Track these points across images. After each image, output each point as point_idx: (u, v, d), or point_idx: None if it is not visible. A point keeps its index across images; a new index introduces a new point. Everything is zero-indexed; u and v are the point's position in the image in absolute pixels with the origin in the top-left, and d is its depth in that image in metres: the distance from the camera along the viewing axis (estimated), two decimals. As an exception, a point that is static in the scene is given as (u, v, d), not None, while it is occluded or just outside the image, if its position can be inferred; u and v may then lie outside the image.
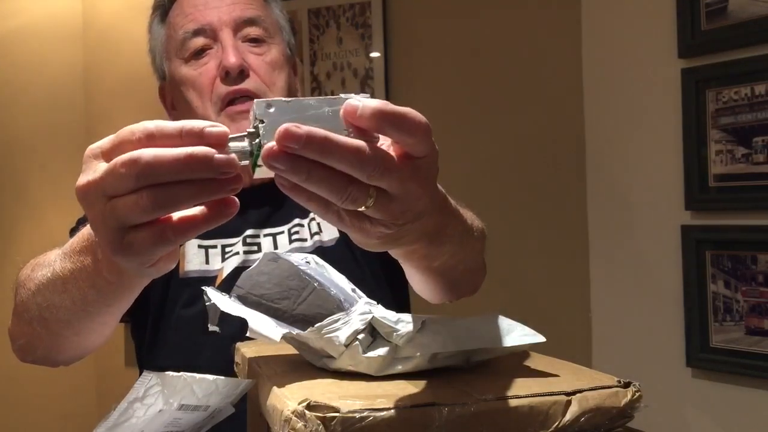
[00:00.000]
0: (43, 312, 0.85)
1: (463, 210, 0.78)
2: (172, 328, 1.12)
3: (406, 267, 0.80)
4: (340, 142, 0.51)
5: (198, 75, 1.13)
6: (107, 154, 0.56)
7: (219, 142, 0.53)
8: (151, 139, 0.53)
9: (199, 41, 1.14)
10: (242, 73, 1.12)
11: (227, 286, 0.86)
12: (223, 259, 1.14)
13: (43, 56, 2.73)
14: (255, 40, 1.15)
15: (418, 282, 0.90)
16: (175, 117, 1.22)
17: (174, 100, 1.21)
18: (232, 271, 1.11)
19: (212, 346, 1.06)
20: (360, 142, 0.52)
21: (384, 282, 1.16)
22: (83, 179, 0.56)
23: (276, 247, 1.14)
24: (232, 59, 1.10)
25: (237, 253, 1.13)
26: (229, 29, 1.13)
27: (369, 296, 0.74)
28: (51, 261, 0.81)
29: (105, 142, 0.56)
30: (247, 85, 1.12)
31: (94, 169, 0.56)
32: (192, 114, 1.15)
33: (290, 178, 0.52)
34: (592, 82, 1.96)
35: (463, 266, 0.84)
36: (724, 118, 1.65)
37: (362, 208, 0.54)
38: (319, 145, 0.50)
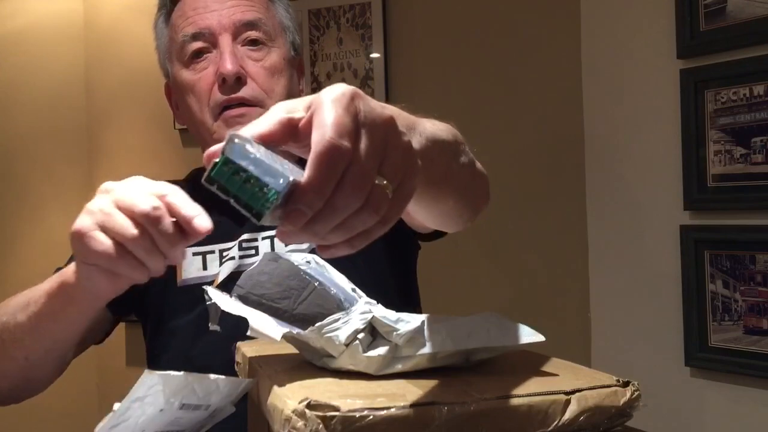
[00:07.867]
0: (3, 332, 0.90)
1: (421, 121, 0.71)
2: (171, 336, 1.12)
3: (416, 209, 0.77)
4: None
5: (197, 80, 1.13)
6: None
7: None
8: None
9: (198, 45, 1.13)
10: (239, 81, 1.11)
11: (223, 290, 0.87)
12: (221, 264, 1.13)
13: (45, 57, 2.73)
14: (255, 42, 1.14)
15: (428, 216, 0.86)
16: (178, 116, 1.24)
17: (176, 100, 1.22)
18: (228, 276, 1.10)
19: (211, 347, 1.06)
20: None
21: (390, 281, 1.16)
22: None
23: (273, 249, 1.13)
24: (228, 66, 1.10)
25: (233, 257, 1.12)
26: (228, 34, 1.12)
27: (375, 295, 0.74)
28: (30, 289, 0.89)
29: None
30: (243, 93, 1.12)
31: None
32: (191, 117, 1.16)
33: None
34: (591, 82, 1.97)
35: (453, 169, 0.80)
36: (722, 118, 1.65)
37: (389, 191, 0.51)
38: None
